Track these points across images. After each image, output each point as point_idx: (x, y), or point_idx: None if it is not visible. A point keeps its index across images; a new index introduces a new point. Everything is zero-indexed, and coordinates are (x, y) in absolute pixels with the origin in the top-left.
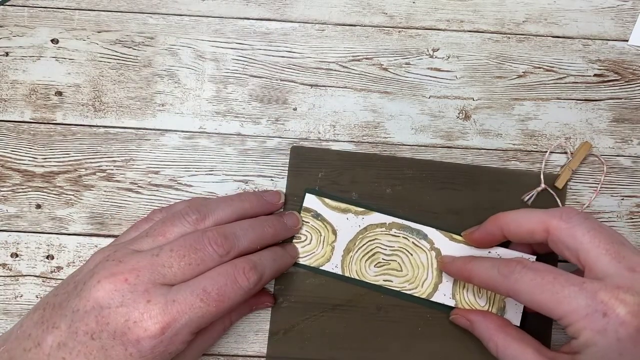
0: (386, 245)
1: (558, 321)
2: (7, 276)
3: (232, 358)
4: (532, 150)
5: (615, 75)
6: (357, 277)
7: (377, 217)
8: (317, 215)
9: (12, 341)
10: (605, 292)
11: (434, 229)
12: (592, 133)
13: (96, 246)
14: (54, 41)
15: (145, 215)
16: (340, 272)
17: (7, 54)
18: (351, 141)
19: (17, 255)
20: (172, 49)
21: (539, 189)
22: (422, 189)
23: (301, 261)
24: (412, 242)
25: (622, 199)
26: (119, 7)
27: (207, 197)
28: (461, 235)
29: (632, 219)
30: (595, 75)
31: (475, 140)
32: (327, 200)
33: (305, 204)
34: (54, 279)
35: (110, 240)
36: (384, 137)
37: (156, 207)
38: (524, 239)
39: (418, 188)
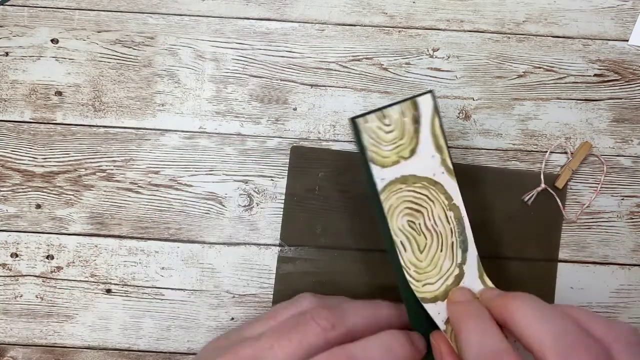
0: (432, 218)
1: None
2: (7, 276)
3: None
4: (532, 150)
5: (616, 75)
6: (385, 212)
7: (452, 187)
8: (416, 120)
9: None
10: None
11: (476, 255)
12: (592, 133)
13: (96, 246)
14: (54, 41)
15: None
16: (379, 189)
17: (7, 54)
18: (351, 141)
19: (17, 255)
20: (172, 49)
21: (539, 189)
22: None
23: (362, 135)
24: (452, 242)
25: (622, 199)
26: (119, 7)
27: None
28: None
29: (632, 219)
30: (595, 75)
31: (475, 140)
32: (436, 121)
33: (418, 99)
34: (54, 279)
35: (110, 240)
36: None
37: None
38: None
39: None
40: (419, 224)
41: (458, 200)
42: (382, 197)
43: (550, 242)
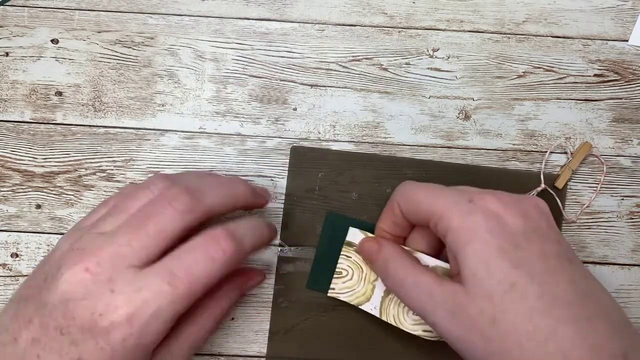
0: None
1: (432, 226)
2: (7, 276)
3: (232, 358)
4: (532, 150)
5: (615, 75)
6: (394, 324)
7: (421, 258)
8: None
9: None
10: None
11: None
12: (592, 133)
13: None
14: (54, 41)
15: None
16: (378, 315)
17: (7, 54)
18: (351, 141)
19: (17, 255)
20: (172, 49)
21: (539, 189)
22: None
23: (341, 297)
24: None
25: (622, 199)
26: (119, 7)
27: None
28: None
29: (632, 219)
30: (595, 75)
31: (475, 140)
32: (370, 235)
33: (348, 238)
34: None
35: None
36: (384, 137)
37: None
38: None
39: None
40: None
41: (428, 259)
42: (384, 318)
43: None
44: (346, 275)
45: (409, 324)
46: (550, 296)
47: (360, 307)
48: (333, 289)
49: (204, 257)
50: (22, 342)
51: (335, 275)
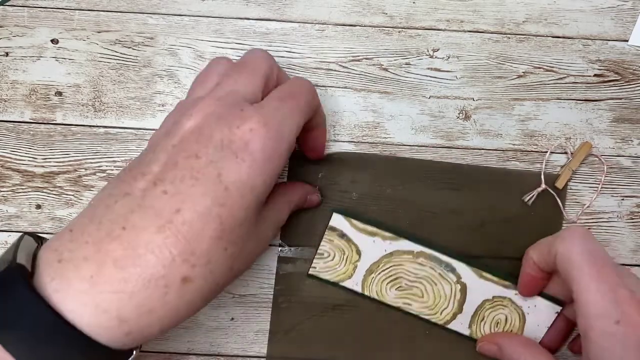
0: (411, 272)
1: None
2: None
3: (232, 358)
4: (532, 151)
5: (615, 75)
6: (376, 297)
7: (405, 244)
8: (342, 235)
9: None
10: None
11: (464, 264)
12: (592, 133)
13: None
14: (54, 41)
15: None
16: (360, 290)
17: (7, 54)
18: (351, 141)
19: None
20: (172, 49)
21: (539, 189)
22: (422, 189)
23: (321, 276)
24: (439, 273)
25: (622, 199)
26: (119, 7)
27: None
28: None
29: (633, 219)
30: (595, 75)
31: (475, 140)
32: (354, 222)
33: (331, 223)
34: None
35: None
36: (384, 137)
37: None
38: (550, 265)
39: (418, 188)
40: (405, 283)
41: (412, 245)
42: (366, 293)
43: None
44: (328, 257)
45: (391, 297)
46: None
47: (341, 283)
48: (314, 267)
49: (299, 84)
50: (137, 191)
51: (317, 256)
